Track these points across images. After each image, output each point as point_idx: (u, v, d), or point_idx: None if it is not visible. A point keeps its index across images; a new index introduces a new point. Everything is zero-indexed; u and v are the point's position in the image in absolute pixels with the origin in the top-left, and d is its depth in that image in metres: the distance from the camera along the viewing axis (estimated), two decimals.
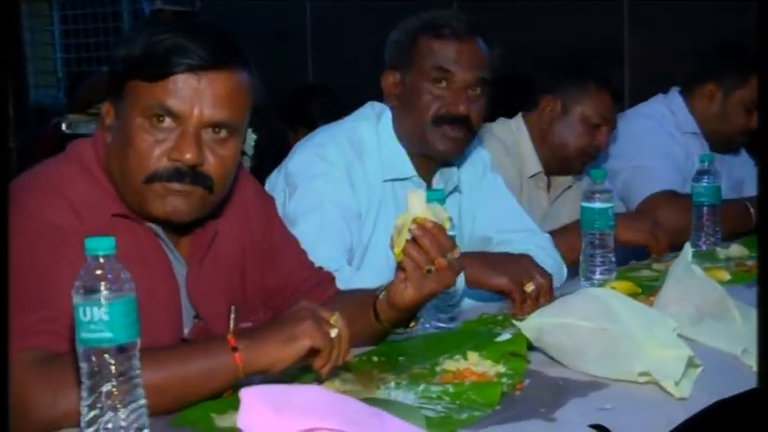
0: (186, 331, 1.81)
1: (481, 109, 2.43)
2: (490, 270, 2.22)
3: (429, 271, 1.75)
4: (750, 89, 3.40)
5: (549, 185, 3.16)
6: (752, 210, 3.18)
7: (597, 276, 2.54)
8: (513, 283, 2.20)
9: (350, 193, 2.34)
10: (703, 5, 5.43)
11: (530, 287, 2.20)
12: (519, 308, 2.19)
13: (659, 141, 3.39)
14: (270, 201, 2.07)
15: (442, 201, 1.98)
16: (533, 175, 3.10)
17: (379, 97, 2.54)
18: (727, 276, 2.53)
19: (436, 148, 2.42)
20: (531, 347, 1.80)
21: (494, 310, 2.25)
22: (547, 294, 2.21)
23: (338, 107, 3.94)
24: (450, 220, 1.91)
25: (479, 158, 2.65)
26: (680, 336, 1.78)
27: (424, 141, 2.41)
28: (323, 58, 6.69)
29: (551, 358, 1.79)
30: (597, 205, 2.52)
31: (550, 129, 3.07)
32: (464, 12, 2.60)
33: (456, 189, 2.55)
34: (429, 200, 1.95)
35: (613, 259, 2.56)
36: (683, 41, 5.47)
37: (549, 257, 2.51)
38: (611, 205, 2.53)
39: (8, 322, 1.50)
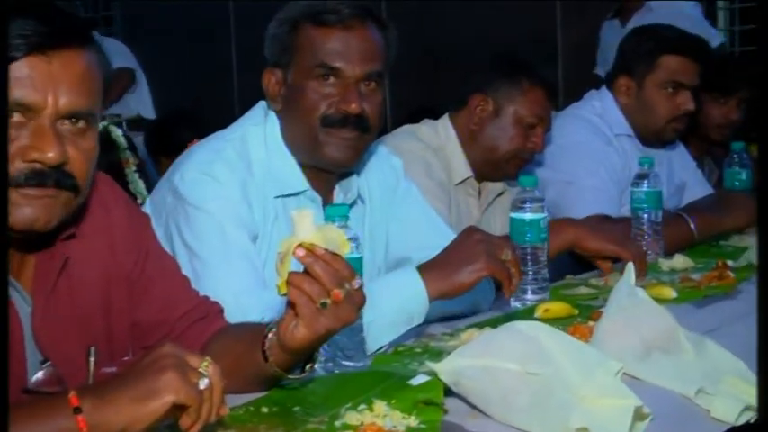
0: (33, 380, 1.50)
1: (378, 105, 2.09)
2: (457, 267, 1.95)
3: (323, 305, 1.44)
4: (662, 70, 3.16)
5: (479, 192, 2.87)
6: (691, 224, 2.92)
7: (529, 296, 2.27)
8: (491, 265, 1.94)
9: (248, 212, 2.03)
10: None
11: (507, 256, 1.96)
12: (509, 288, 1.98)
13: (593, 150, 3.12)
14: (143, 221, 1.74)
15: (345, 218, 1.68)
16: (462, 182, 2.81)
17: None
18: (672, 294, 2.27)
19: (330, 156, 2.09)
20: (448, 393, 1.51)
21: (411, 341, 1.96)
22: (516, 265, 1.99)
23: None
24: (353, 240, 1.61)
25: (389, 167, 2.33)
26: (625, 374, 1.51)
27: (316, 149, 2.08)
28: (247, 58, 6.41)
29: (473, 407, 1.49)
30: (528, 216, 2.25)
31: (481, 130, 2.79)
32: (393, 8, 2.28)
33: (358, 199, 2.22)
34: (330, 218, 1.66)
35: (547, 276, 2.29)
36: None
37: None
38: (543, 216, 2.25)
39: (7, 322, 1.38)
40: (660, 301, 2.23)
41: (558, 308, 2.14)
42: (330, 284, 1.43)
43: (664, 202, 3.23)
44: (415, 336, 1.98)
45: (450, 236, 2.31)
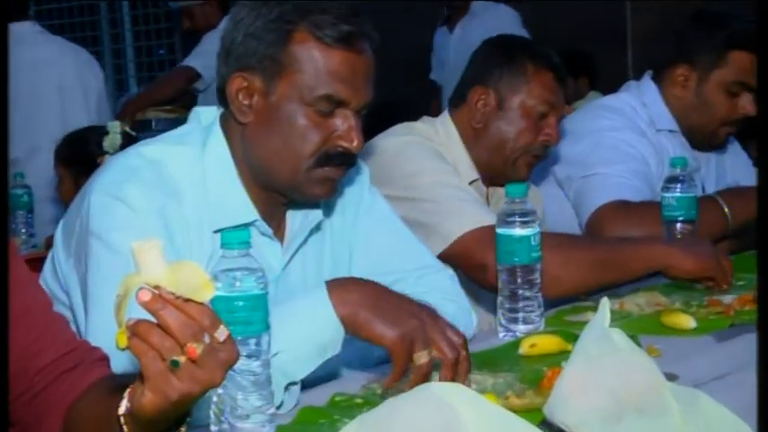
0: None
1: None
2: (378, 316, 1.59)
3: (174, 364, 1.12)
4: (730, 68, 2.74)
5: (487, 198, 2.52)
6: (725, 207, 2.54)
7: (520, 326, 1.93)
8: (402, 342, 1.57)
9: (168, 247, 1.66)
10: None
11: (421, 358, 1.58)
12: (393, 379, 1.56)
13: (621, 140, 2.73)
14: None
15: (246, 245, 1.36)
16: (469, 185, 2.44)
17: None
18: (690, 324, 1.90)
19: (312, 193, 1.77)
20: None
21: (357, 389, 1.63)
22: (453, 369, 1.58)
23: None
24: (256, 274, 1.31)
25: (355, 174, 1.97)
26: None
27: (295, 183, 1.75)
28: None
29: None
30: (517, 232, 1.90)
31: (485, 127, 2.43)
32: None
33: (317, 229, 1.89)
34: (228, 245, 1.35)
35: (541, 301, 1.95)
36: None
37: (450, 301, 1.89)
38: (534, 231, 1.91)
39: (8, 322, 1.30)
40: (677, 332, 1.89)
41: (547, 342, 1.80)
42: (183, 338, 1.11)
43: None
44: (366, 378, 1.66)
45: (424, 255, 1.99)
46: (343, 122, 1.74)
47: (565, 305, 2.15)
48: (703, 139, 2.84)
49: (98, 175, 1.75)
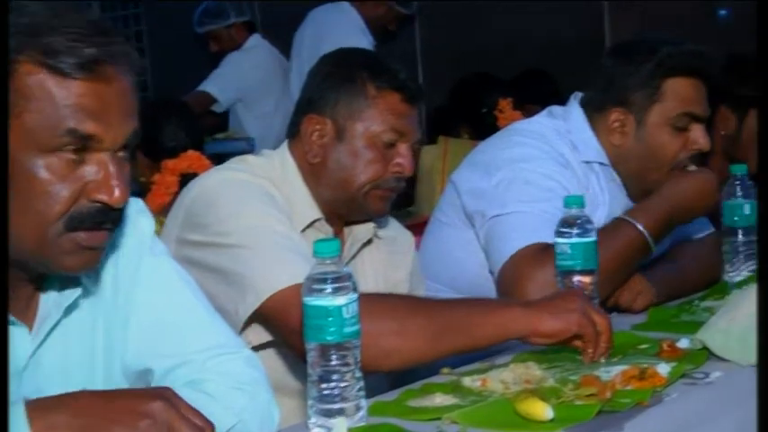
0: None
1: None
2: None
3: None
4: (670, 100, 2.35)
5: (343, 239, 2.13)
6: (638, 225, 2.21)
7: (333, 420, 1.53)
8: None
9: None
10: None
11: None
12: None
13: (541, 174, 2.32)
14: None
15: None
16: (309, 226, 2.06)
17: None
18: (546, 414, 1.49)
19: (63, 265, 1.42)
20: None
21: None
22: None
23: None
24: None
25: (134, 232, 1.59)
26: None
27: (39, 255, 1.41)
28: None
29: None
30: (326, 302, 1.51)
31: (324, 162, 2.05)
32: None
33: (75, 307, 1.51)
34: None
35: (362, 384, 1.56)
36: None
37: (241, 391, 1.51)
38: (350, 300, 1.52)
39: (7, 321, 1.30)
40: (527, 428, 1.50)
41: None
42: None
43: None
44: None
45: (219, 330, 1.62)
46: (98, 169, 1.37)
47: (413, 384, 1.76)
48: (655, 187, 2.41)
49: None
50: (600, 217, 2.32)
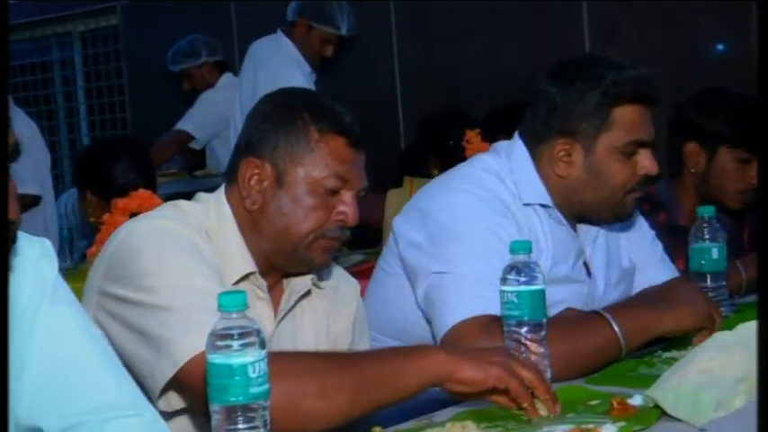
0: None
1: None
2: None
3: None
4: (618, 129, 2.20)
5: (279, 293, 1.99)
6: (615, 326, 2.02)
7: None
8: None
9: None
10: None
11: None
12: None
13: (482, 229, 2.14)
14: None
15: None
16: (242, 279, 1.90)
17: None
18: None
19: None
20: None
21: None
22: None
23: None
24: None
25: (35, 281, 1.45)
26: None
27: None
28: None
29: None
30: (231, 360, 1.39)
31: (263, 210, 1.90)
32: None
33: None
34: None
35: None
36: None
37: None
38: (258, 357, 1.39)
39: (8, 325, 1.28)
40: None
41: None
42: None
43: (603, 293, 2.35)
44: None
45: (116, 394, 1.48)
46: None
47: None
48: (607, 215, 2.30)
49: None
50: (543, 264, 2.17)
